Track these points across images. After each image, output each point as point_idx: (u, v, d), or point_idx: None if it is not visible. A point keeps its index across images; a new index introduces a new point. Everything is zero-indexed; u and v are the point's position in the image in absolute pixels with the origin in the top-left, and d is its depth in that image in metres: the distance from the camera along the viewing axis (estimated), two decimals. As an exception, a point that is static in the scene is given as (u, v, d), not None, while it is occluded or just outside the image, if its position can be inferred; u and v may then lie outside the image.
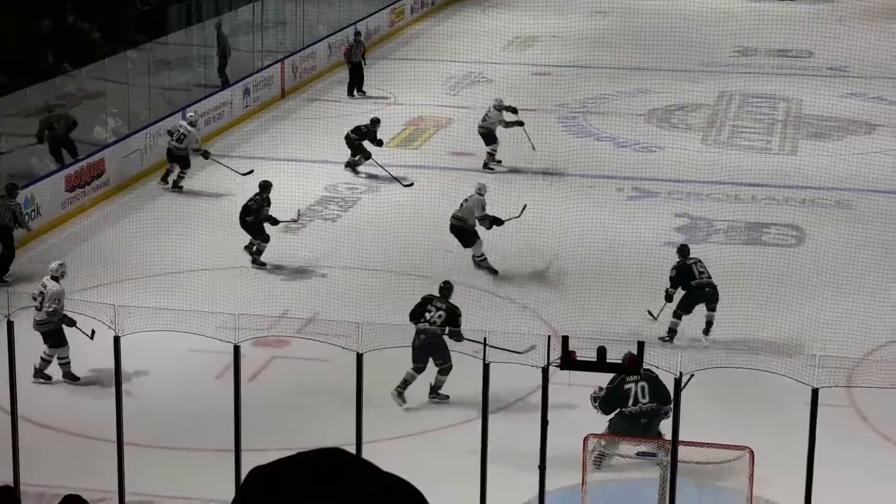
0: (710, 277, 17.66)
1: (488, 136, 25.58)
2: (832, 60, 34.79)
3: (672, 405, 13.15)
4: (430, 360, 15.77)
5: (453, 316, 15.77)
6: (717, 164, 25.80)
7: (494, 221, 20.38)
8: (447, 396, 15.91)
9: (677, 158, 26.29)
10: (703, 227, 22.54)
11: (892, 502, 14.11)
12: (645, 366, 11.85)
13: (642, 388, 14.07)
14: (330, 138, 26.88)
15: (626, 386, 14.11)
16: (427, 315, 15.83)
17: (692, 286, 17.65)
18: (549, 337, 11.79)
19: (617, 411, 14.20)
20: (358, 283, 19.70)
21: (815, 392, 11.48)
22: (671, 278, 17.83)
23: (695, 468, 13.09)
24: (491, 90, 32.58)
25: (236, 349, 11.93)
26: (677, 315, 17.73)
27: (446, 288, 16.30)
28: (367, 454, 3.70)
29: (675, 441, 11.43)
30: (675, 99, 31.29)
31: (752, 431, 14.46)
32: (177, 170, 24.39)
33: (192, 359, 16.69)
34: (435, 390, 15.92)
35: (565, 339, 10.97)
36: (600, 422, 14.32)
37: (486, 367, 11.77)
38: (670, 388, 11.76)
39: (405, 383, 15.77)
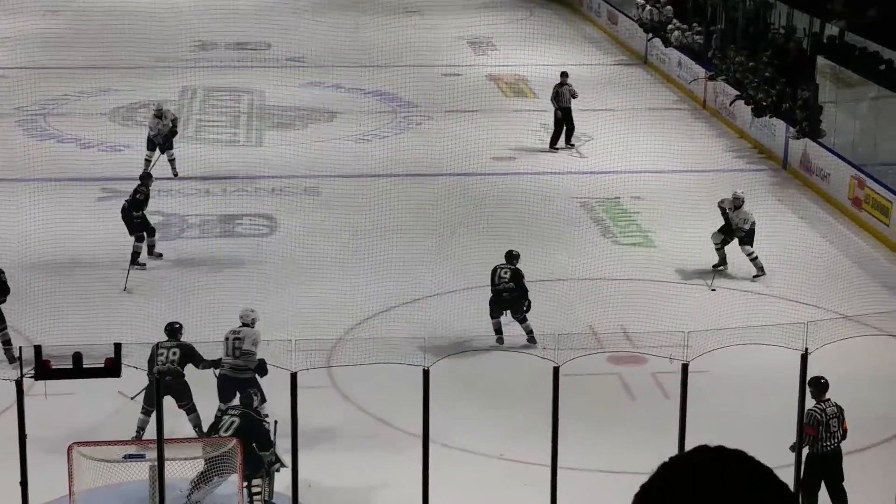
0: (509, 282, 17.83)
1: (165, 145, 24.73)
2: (290, 51, 35.62)
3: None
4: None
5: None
6: (187, 159, 25.73)
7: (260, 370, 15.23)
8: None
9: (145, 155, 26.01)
10: (177, 223, 22.46)
11: (378, 473, 14.61)
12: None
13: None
14: None
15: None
16: (161, 357, 14.86)
17: (492, 291, 17.99)
18: (20, 348, 11.35)
19: None
20: None
21: (293, 376, 11.71)
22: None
23: (185, 464, 13.06)
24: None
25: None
26: (494, 317, 17.95)
27: (174, 328, 15.36)
28: None
29: (160, 440, 11.31)
30: (139, 96, 30.92)
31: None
32: None
33: None
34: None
35: (38, 349, 10.59)
36: (92, 433, 13.95)
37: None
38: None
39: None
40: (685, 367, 12.49)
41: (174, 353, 14.95)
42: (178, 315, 16.74)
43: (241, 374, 14.91)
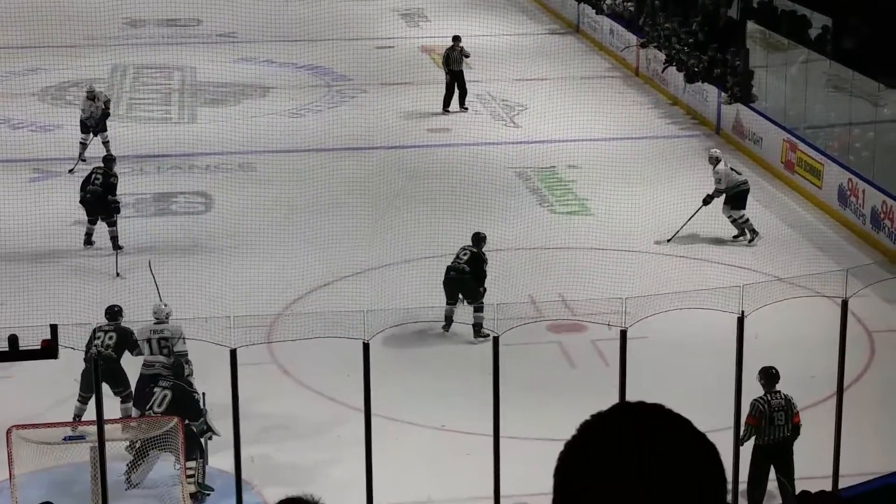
0: (464, 264, 17.35)
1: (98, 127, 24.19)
2: (220, 27, 35.36)
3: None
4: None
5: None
6: (119, 138, 25.49)
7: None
8: None
9: (76, 136, 25.75)
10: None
11: (320, 447, 14.62)
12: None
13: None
14: None
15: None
16: (97, 341, 14.59)
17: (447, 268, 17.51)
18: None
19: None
20: None
21: (233, 353, 11.68)
22: None
23: (126, 444, 13.01)
24: None
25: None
26: (448, 302, 17.43)
27: (114, 311, 15.09)
28: None
29: (100, 421, 11.25)
30: (68, 75, 30.58)
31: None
32: None
33: None
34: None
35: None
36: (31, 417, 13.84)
37: None
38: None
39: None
40: (624, 334, 12.58)
41: (110, 338, 14.75)
42: (114, 296, 16.63)
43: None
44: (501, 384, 12.48)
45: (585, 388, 15.50)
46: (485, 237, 17.75)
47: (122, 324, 14.94)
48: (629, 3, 33.05)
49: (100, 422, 11.43)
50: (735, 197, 20.55)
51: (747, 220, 20.53)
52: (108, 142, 24.42)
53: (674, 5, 31.07)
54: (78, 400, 14.65)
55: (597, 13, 34.42)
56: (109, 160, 20.65)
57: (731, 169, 20.96)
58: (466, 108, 27.84)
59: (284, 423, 15.08)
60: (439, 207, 21.80)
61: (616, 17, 33.24)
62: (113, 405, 14.10)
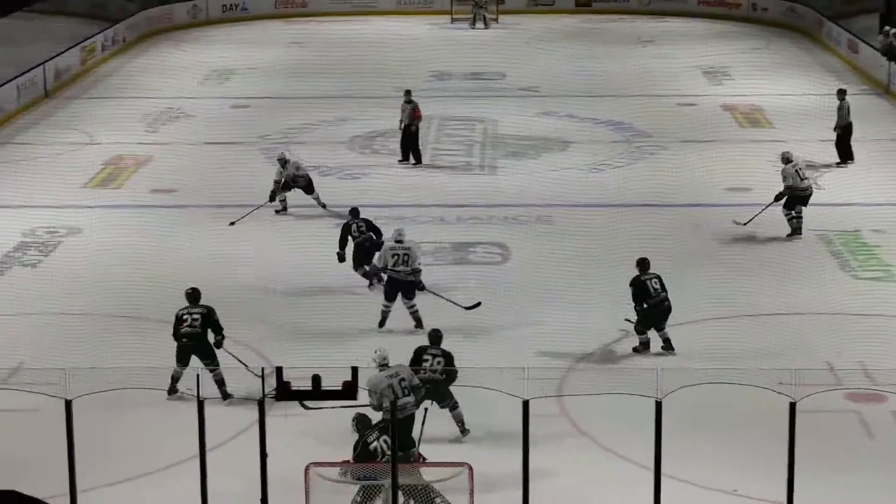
0: (661, 292, 18.13)
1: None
2: (523, 81, 35.91)
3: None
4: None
5: (449, 360, 15.88)
6: (422, 187, 26.18)
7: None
8: None
9: (382, 183, 26.58)
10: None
11: (606, 504, 14.56)
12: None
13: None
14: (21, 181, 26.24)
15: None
16: (425, 363, 15.58)
17: (648, 304, 18.07)
18: (262, 369, 11.72)
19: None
20: (66, 327, 19.11)
21: (525, 403, 11.76)
22: (632, 295, 18.17)
23: (414, 490, 13.21)
24: (191, 125, 32.27)
25: None
26: (641, 331, 18.22)
27: (437, 336, 16.06)
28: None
29: (394, 465, 11.49)
30: (376, 125, 31.60)
31: (476, 447, 14.74)
32: None
33: None
34: None
35: (279, 370, 10.92)
36: (318, 450, 14.28)
37: (200, 403, 11.58)
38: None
39: None
40: (928, 407, 12.09)
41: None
42: (406, 341, 16.95)
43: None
44: (795, 451, 12.15)
45: (883, 461, 14.94)
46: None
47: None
48: (944, 64, 31.87)
49: (394, 465, 11.68)
50: (791, 198, 22.83)
51: (793, 218, 22.72)
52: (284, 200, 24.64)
53: None
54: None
55: (909, 74, 33.33)
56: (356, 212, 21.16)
57: (797, 171, 22.87)
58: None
59: (571, 477, 15.05)
60: (736, 268, 21.47)
61: (930, 78, 32.10)
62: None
